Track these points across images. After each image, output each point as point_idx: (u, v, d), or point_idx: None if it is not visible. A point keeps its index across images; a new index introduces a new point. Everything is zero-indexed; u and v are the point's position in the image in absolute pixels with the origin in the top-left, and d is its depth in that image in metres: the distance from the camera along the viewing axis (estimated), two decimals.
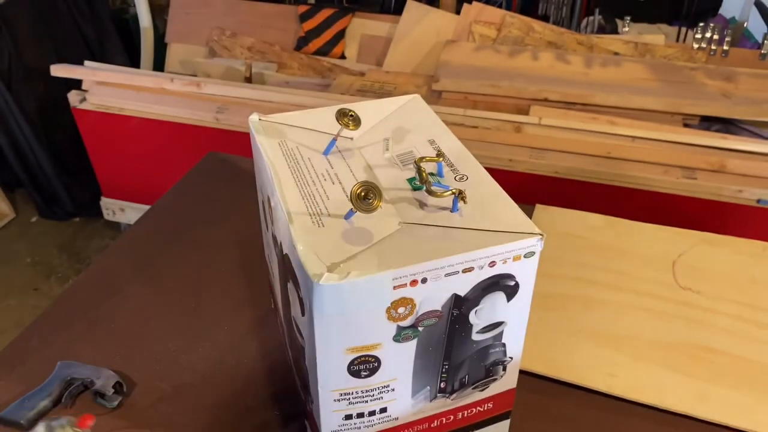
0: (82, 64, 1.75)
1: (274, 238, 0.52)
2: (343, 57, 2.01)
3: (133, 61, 2.26)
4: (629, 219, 0.83)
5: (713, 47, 1.70)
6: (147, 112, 1.66)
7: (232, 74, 1.89)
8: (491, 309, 0.45)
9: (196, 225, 0.86)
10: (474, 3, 1.85)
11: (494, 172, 0.49)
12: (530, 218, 0.44)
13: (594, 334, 0.67)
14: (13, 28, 1.86)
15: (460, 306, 0.43)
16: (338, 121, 0.51)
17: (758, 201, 1.31)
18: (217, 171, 0.98)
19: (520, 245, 0.42)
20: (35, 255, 1.97)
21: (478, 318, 0.45)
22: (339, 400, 0.45)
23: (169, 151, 1.71)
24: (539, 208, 0.85)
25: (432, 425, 0.50)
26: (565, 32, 1.80)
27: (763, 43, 1.69)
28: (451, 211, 0.45)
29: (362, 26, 2.01)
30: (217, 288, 0.76)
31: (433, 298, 0.42)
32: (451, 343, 0.45)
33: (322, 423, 0.47)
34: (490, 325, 0.46)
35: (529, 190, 1.42)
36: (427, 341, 0.44)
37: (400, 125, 0.56)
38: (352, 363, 0.43)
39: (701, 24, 1.71)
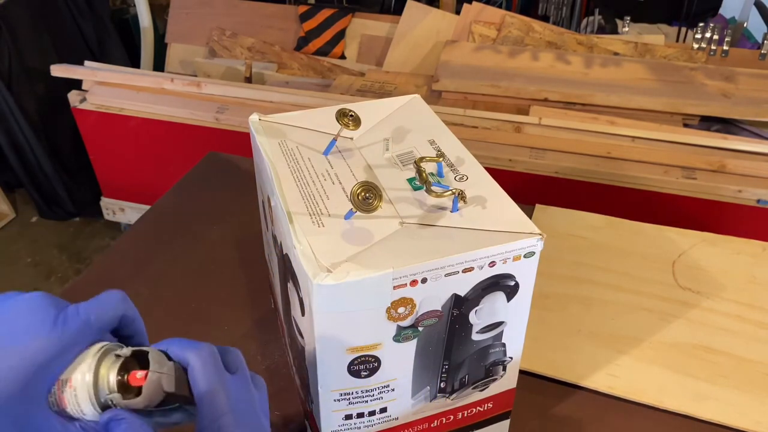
0: (82, 64, 1.75)
1: (274, 238, 0.52)
2: (343, 57, 2.01)
3: (133, 61, 2.26)
4: (629, 219, 0.83)
5: (713, 47, 1.70)
6: (147, 112, 1.66)
7: (232, 74, 1.89)
8: (491, 309, 0.45)
9: (196, 225, 0.86)
10: (474, 3, 1.85)
11: (494, 172, 0.49)
12: (530, 218, 0.44)
13: (594, 334, 0.67)
14: (13, 28, 1.86)
15: (460, 306, 0.43)
16: (338, 121, 0.51)
17: (758, 201, 1.31)
18: (217, 171, 0.98)
19: (520, 245, 0.42)
20: (35, 255, 1.97)
21: (478, 318, 0.45)
22: (339, 400, 0.45)
23: (169, 151, 1.71)
24: (539, 208, 0.85)
25: (432, 425, 0.50)
26: (565, 32, 1.80)
27: (763, 43, 1.69)
28: (451, 211, 0.45)
29: (362, 26, 2.01)
30: (217, 288, 0.75)
31: (433, 298, 0.42)
32: (451, 343, 0.45)
33: (322, 423, 0.47)
34: (490, 325, 0.46)
35: (529, 190, 1.42)
36: (427, 341, 0.44)
37: (400, 125, 0.56)
38: (352, 363, 0.43)
39: (701, 24, 1.70)
